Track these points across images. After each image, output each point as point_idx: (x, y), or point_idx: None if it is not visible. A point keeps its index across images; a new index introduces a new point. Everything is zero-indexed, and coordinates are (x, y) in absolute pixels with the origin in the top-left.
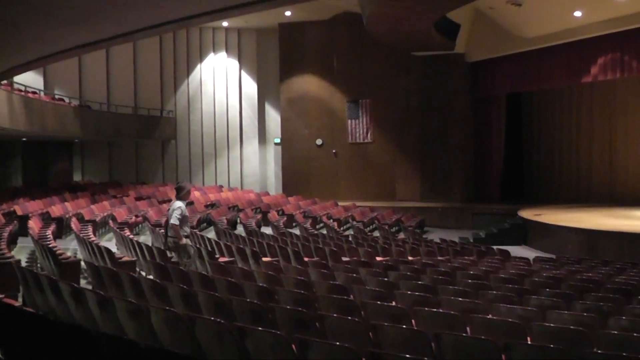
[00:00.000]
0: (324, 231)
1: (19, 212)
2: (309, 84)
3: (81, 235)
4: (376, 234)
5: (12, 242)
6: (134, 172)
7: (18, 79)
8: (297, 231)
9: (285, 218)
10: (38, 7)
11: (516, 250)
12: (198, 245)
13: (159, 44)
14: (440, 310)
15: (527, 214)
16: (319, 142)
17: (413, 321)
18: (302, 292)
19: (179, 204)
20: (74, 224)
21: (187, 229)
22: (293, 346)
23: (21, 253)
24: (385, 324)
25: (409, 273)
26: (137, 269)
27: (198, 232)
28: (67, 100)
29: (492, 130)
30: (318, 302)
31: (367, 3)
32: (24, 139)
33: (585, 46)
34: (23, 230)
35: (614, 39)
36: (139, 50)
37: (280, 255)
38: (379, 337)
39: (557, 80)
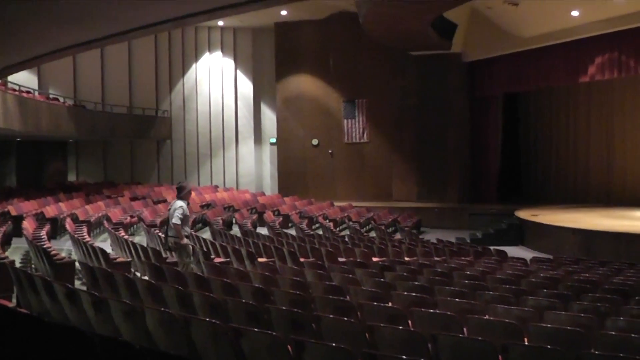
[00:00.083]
0: (320, 232)
1: (13, 213)
2: (304, 84)
3: (76, 235)
4: (372, 234)
5: (6, 242)
6: (129, 172)
7: (12, 78)
8: (293, 232)
9: (281, 218)
10: (33, 7)
11: (513, 251)
12: (192, 245)
13: (154, 43)
14: (437, 311)
15: (524, 214)
16: (314, 142)
17: (409, 322)
18: (298, 292)
19: (180, 203)
20: (69, 224)
21: (188, 229)
22: (289, 347)
23: (15, 254)
24: (382, 324)
25: (405, 274)
26: (132, 270)
27: (193, 233)
28: (61, 99)
29: (489, 130)
30: (314, 302)
31: (364, 2)
32: (18, 139)
33: (582, 46)
34: (17, 231)
35: (612, 38)
36: (134, 49)
37: (276, 255)
38: (375, 338)
39: (554, 80)
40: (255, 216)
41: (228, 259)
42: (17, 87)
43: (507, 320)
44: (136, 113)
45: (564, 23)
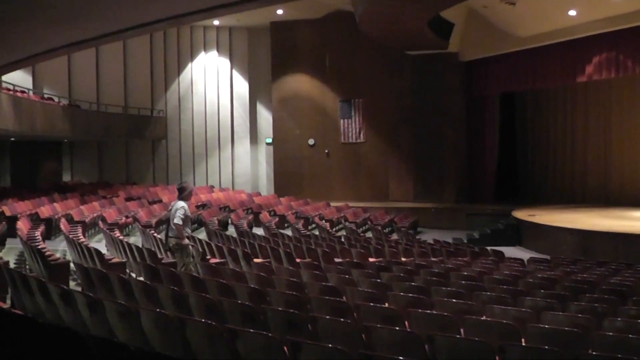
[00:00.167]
0: (316, 232)
1: (8, 213)
2: (301, 83)
3: (70, 236)
4: (369, 234)
5: (0, 243)
6: (124, 173)
7: (6, 77)
8: (289, 232)
9: (277, 219)
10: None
11: (510, 251)
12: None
13: (150, 42)
14: (434, 312)
15: (521, 214)
16: (311, 142)
17: (406, 323)
18: (294, 293)
19: (181, 204)
20: (63, 224)
21: (189, 230)
22: (285, 348)
23: (9, 254)
24: (378, 325)
25: (402, 274)
26: (127, 271)
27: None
28: (56, 99)
29: (486, 130)
30: (310, 303)
31: (360, 1)
32: (12, 139)
33: (580, 45)
34: (11, 231)
35: (609, 38)
36: (129, 49)
37: (272, 256)
38: (371, 339)
39: (551, 79)
40: (251, 216)
41: (224, 260)
42: (11, 87)
43: (504, 321)
44: (131, 113)
45: (561, 22)
